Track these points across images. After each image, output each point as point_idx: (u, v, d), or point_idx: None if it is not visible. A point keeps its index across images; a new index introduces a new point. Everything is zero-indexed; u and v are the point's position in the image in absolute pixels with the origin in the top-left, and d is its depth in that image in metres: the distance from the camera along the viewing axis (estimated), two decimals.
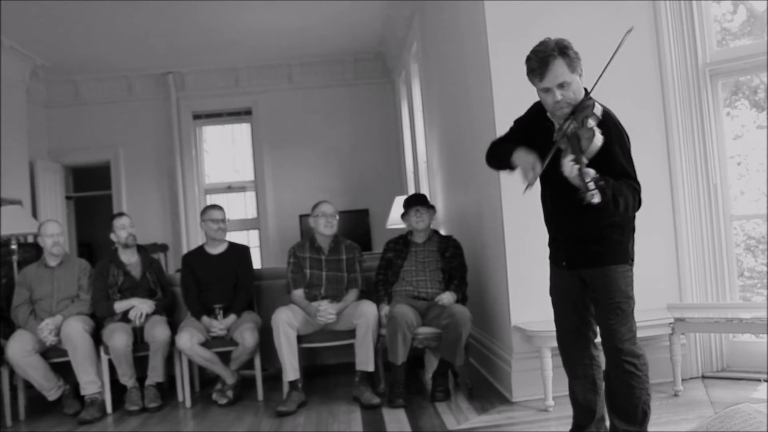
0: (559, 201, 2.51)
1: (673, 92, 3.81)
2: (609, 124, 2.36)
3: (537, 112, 2.57)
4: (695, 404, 3.37)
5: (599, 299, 2.48)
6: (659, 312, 3.63)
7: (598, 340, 2.58)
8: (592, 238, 2.45)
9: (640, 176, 3.67)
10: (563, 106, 2.35)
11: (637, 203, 2.35)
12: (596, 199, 2.13)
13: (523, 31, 3.64)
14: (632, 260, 2.50)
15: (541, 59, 2.32)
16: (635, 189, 2.34)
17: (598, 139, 2.26)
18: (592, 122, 2.28)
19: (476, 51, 3.97)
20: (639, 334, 3.42)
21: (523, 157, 2.41)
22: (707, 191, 3.80)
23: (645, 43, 3.82)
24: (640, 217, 3.66)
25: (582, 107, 2.33)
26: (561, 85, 2.33)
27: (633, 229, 2.52)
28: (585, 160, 2.19)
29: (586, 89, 2.43)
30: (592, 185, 2.12)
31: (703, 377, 3.81)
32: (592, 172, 2.16)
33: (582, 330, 2.60)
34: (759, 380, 3.62)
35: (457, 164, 4.86)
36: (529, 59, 2.38)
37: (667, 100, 3.81)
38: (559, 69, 2.32)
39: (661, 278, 3.78)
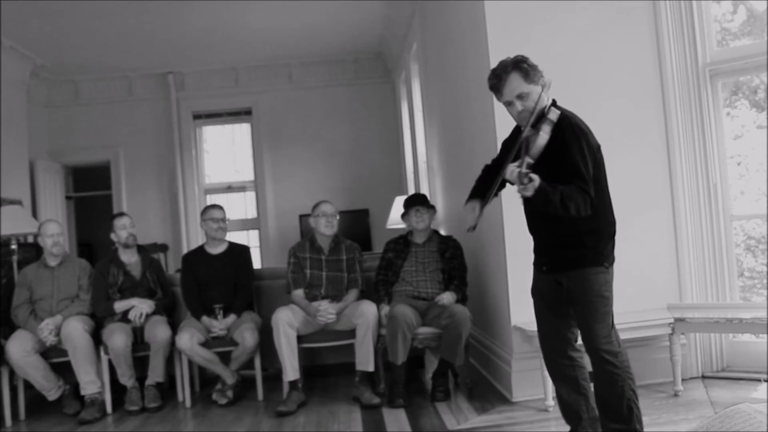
0: (536, 210, 2.57)
1: (673, 92, 3.81)
2: (564, 126, 2.44)
3: (516, 128, 2.69)
4: (695, 404, 3.37)
5: (575, 301, 2.55)
6: (659, 312, 3.64)
7: (580, 342, 2.64)
8: (568, 244, 2.54)
9: (640, 177, 3.73)
10: (525, 116, 2.48)
11: (588, 205, 2.40)
12: (528, 192, 2.28)
13: (523, 31, 3.65)
14: (608, 264, 2.54)
15: (497, 75, 2.52)
16: (585, 191, 2.40)
17: (542, 138, 2.39)
18: (545, 126, 2.42)
19: (476, 51, 3.97)
20: (639, 334, 3.47)
21: (467, 205, 2.67)
22: (707, 191, 3.80)
23: (645, 43, 3.82)
24: (640, 217, 3.69)
25: (541, 114, 2.46)
26: (519, 96, 2.48)
27: (611, 235, 2.57)
28: (530, 160, 2.34)
29: (554, 100, 2.54)
30: (526, 181, 2.27)
31: (703, 377, 3.81)
32: (529, 173, 2.30)
33: (562, 332, 2.65)
34: (759, 380, 3.63)
35: (457, 164, 4.86)
36: (489, 78, 2.56)
37: (667, 100, 3.81)
38: (514, 82, 2.48)
39: (661, 278, 3.78)
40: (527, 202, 2.53)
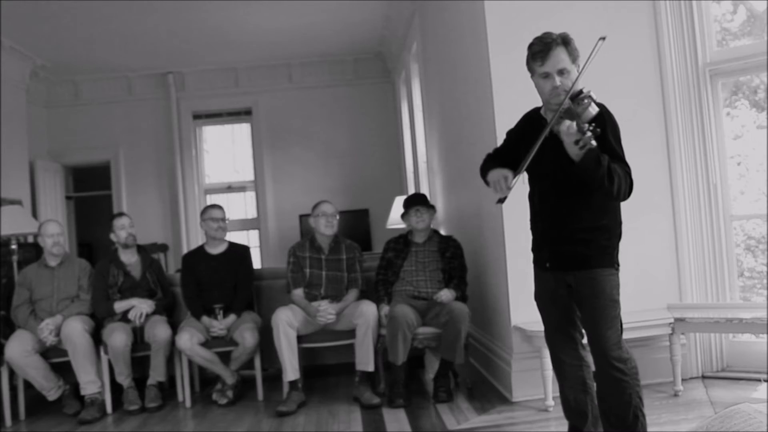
0: (548, 198, 2.51)
1: (673, 92, 3.81)
2: (602, 110, 2.38)
3: (530, 117, 2.61)
4: (695, 404, 3.37)
5: (584, 303, 2.47)
6: (659, 312, 3.64)
7: (586, 341, 2.59)
8: (578, 240, 2.44)
9: (640, 177, 3.71)
10: (560, 92, 2.39)
11: (629, 187, 2.36)
12: (594, 142, 2.16)
13: (523, 31, 3.63)
14: (618, 265, 2.49)
15: (545, 44, 2.40)
16: (627, 173, 2.35)
17: (593, 108, 2.30)
18: (588, 100, 2.32)
19: (476, 51, 3.97)
20: (639, 334, 3.47)
21: (495, 172, 2.48)
22: (707, 191, 3.80)
23: (645, 43, 3.83)
24: (640, 217, 3.69)
25: (576, 92, 2.37)
26: (561, 72, 2.39)
27: (620, 235, 2.51)
28: (583, 124, 2.23)
29: (581, 90, 2.44)
30: (589, 133, 2.15)
31: (703, 377, 3.82)
32: (592, 125, 2.19)
33: (569, 332, 2.59)
34: (759, 380, 3.63)
35: (457, 164, 4.87)
36: (532, 45, 2.45)
37: (667, 100, 3.82)
38: (561, 55, 2.39)
39: (661, 278, 3.78)
40: (541, 182, 2.45)
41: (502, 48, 3.66)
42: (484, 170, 2.63)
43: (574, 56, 2.41)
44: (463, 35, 4.33)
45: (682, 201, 3.80)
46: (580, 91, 2.36)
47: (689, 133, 3.81)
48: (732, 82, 4.10)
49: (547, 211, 2.53)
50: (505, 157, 2.61)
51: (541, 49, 2.40)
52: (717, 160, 3.80)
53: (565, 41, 2.41)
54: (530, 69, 2.47)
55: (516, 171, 2.40)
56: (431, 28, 5.42)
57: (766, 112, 4.07)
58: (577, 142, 2.19)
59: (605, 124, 2.35)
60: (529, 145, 2.37)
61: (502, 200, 2.44)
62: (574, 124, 2.20)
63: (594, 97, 2.34)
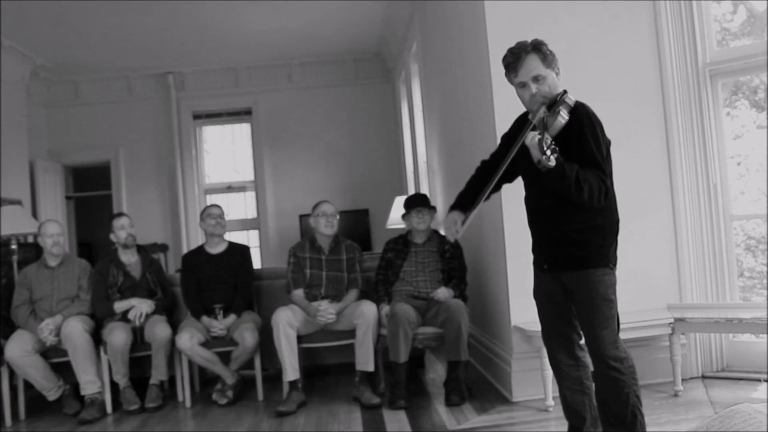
0: (541, 201, 2.52)
1: (673, 92, 3.81)
2: (582, 113, 2.38)
3: (521, 121, 2.63)
4: (695, 404, 3.37)
5: (580, 303, 2.48)
6: (659, 312, 3.64)
7: (583, 341, 2.59)
8: (573, 241, 2.45)
9: (640, 177, 3.73)
10: (539, 99, 2.40)
11: (603, 194, 2.34)
12: (551, 162, 2.19)
13: (523, 31, 3.62)
14: (613, 264, 2.49)
15: (515, 54, 2.44)
16: (602, 180, 2.34)
17: (562, 117, 2.33)
18: (563, 109, 2.35)
19: (476, 51, 3.97)
20: (639, 334, 3.48)
21: (447, 217, 2.67)
22: (707, 191, 3.80)
23: (645, 43, 3.83)
24: (640, 217, 3.69)
25: (556, 99, 2.39)
26: (536, 79, 2.41)
27: (616, 234, 2.51)
28: (548, 136, 2.24)
29: (565, 90, 2.46)
30: (549, 152, 2.18)
31: (703, 377, 3.82)
32: (550, 141, 2.22)
33: (566, 332, 2.60)
34: (759, 380, 3.63)
35: (457, 164, 4.86)
36: (504, 57, 2.48)
37: (667, 100, 3.82)
38: (532, 63, 2.41)
39: (661, 278, 3.78)
40: (533, 185, 2.48)
41: (502, 48, 3.60)
42: (458, 196, 2.73)
43: (548, 60, 2.42)
44: (463, 35, 4.33)
45: (682, 201, 3.80)
46: (562, 93, 2.38)
47: (689, 133, 3.81)
48: (732, 82, 4.10)
49: (541, 214, 2.55)
50: (494, 168, 2.61)
51: (512, 60, 2.44)
52: (717, 160, 3.80)
53: (536, 47, 2.43)
54: (508, 80, 2.50)
55: (468, 210, 2.55)
56: (431, 28, 5.42)
57: (766, 112, 4.07)
58: (538, 162, 2.23)
59: (582, 126, 2.35)
60: (523, 155, 2.39)
61: (454, 241, 2.57)
62: (537, 138, 2.22)
63: (570, 102, 2.37)
